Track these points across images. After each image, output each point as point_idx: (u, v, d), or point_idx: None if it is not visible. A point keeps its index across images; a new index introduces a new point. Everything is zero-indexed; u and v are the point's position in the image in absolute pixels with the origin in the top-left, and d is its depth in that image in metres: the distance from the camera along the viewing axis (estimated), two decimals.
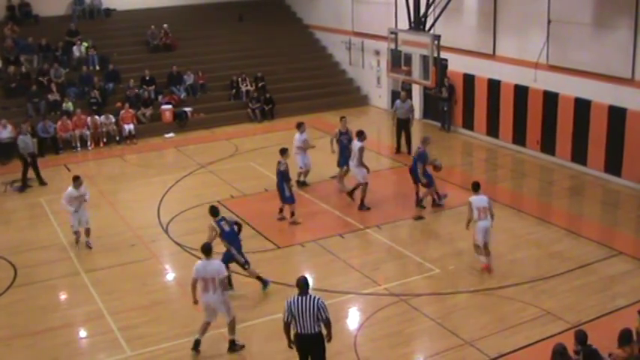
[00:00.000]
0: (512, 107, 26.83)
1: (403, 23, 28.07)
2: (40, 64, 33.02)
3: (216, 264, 13.94)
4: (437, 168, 21.53)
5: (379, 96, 34.92)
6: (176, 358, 14.19)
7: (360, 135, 21.37)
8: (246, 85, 34.39)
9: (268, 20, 39.76)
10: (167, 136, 31.40)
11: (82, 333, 15.57)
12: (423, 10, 26.14)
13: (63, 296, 17.35)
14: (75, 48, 33.95)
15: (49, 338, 14.55)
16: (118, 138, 30.38)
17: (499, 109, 27.51)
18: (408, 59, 25.95)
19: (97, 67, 33.74)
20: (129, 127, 30.53)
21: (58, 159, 28.57)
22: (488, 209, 16.86)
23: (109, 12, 37.97)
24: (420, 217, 20.61)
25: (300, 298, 11.92)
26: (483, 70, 27.97)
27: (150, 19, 37.03)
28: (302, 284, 12.06)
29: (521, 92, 26.32)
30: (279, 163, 20.26)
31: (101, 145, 30.00)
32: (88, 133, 29.88)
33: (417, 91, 31.64)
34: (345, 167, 22.67)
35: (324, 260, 18.30)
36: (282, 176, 20.16)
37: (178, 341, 14.65)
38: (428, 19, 26.26)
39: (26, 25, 35.10)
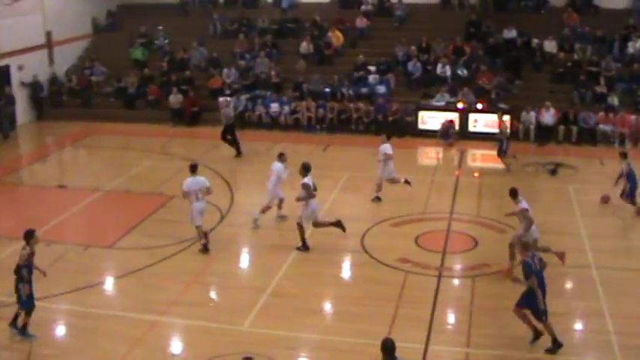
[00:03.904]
0: None
1: None
2: (592, 54, 33.17)
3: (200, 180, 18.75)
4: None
5: None
6: None
7: None
8: None
9: None
10: None
11: (578, 326, 15.55)
12: None
13: (568, 285, 17.43)
14: (630, 43, 33.31)
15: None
16: None
17: None
18: None
19: None
20: None
21: (593, 151, 28.70)
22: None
23: None
24: None
25: None
26: None
27: None
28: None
29: None
30: None
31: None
32: (627, 131, 29.38)
33: None
34: None
35: None
36: None
37: None
38: None
39: (585, 15, 35.33)
